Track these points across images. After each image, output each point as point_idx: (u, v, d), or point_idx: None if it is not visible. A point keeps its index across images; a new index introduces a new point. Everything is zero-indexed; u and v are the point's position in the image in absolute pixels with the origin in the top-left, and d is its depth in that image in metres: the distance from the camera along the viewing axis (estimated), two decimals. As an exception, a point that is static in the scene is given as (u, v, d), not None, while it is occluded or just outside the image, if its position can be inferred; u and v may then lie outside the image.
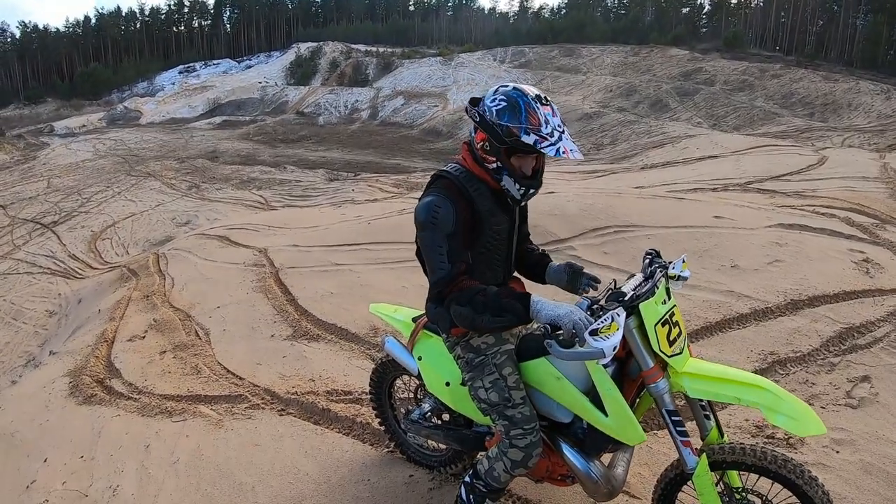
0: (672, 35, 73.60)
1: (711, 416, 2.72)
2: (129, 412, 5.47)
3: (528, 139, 2.49)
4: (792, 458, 2.49)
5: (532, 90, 2.60)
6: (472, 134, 2.73)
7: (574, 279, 3.04)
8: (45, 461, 4.96)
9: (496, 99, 2.58)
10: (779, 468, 2.47)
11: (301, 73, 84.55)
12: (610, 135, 40.11)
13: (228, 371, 6.00)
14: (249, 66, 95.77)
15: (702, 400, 2.67)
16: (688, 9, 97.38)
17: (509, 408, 2.74)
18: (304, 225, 13.19)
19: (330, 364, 5.74)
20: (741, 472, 2.64)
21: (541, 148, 2.49)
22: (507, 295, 2.58)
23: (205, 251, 12.09)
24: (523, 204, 2.87)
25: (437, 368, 3.22)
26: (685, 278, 2.86)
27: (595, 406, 2.67)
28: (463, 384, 3.01)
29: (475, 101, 2.72)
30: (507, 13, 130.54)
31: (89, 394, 6.13)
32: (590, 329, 2.32)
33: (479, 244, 2.77)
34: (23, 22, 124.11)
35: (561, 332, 2.41)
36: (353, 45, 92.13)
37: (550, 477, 2.98)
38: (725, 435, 2.74)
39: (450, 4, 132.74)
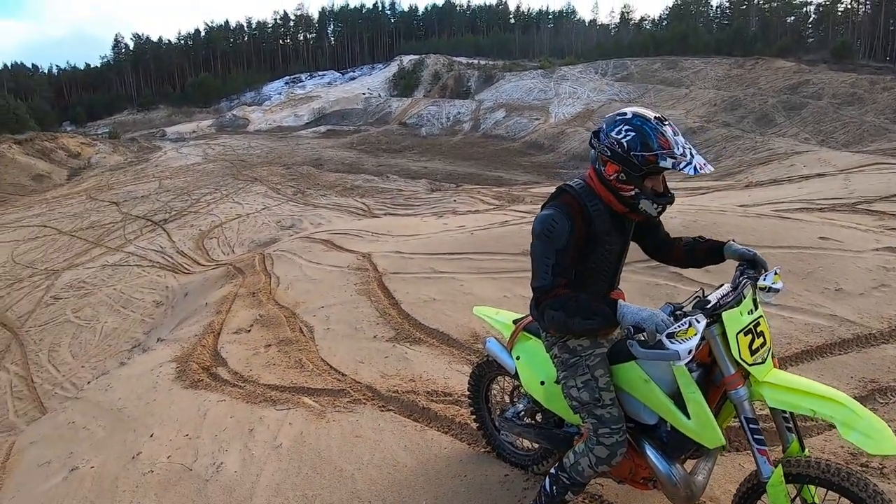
0: (777, 46, 69.81)
1: (794, 430, 2.71)
2: (233, 398, 5.69)
3: (667, 164, 2.60)
4: (881, 489, 2.42)
5: (650, 113, 2.70)
6: (599, 165, 2.80)
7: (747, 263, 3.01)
8: (151, 436, 5.21)
9: (621, 130, 2.66)
10: (860, 490, 2.41)
11: (404, 84, 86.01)
12: (714, 150, 38.94)
13: (331, 367, 6.17)
14: (353, 78, 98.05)
15: (784, 412, 2.68)
16: (793, 17, 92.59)
17: (599, 407, 2.86)
18: (407, 233, 13.35)
19: (431, 366, 5.81)
20: (818, 489, 2.61)
21: (681, 169, 2.59)
22: (597, 301, 2.69)
23: (310, 253, 12.42)
24: (657, 217, 2.90)
25: (534, 368, 3.36)
26: (777, 290, 2.86)
27: (678, 409, 2.74)
28: (557, 383, 3.13)
29: (596, 135, 2.81)
30: (608, 25, 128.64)
31: (195, 379, 6.41)
32: (667, 332, 2.40)
33: (589, 260, 2.88)
34: (136, 34, 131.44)
35: (643, 334, 2.49)
36: (454, 58, 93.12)
37: (633, 479, 3.06)
38: (807, 449, 2.72)
39: (550, 17, 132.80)
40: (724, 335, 2.61)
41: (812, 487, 2.62)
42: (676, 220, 8.74)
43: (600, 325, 2.68)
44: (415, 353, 6.18)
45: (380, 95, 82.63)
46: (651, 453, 2.85)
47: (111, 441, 5.43)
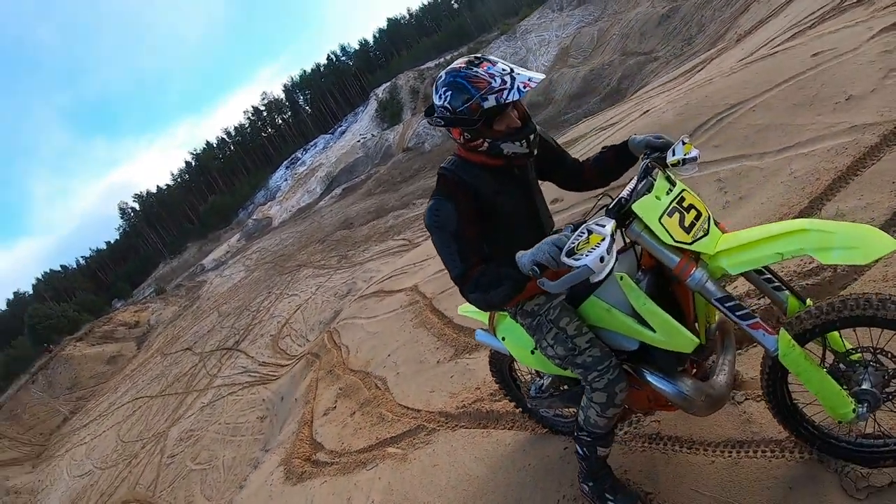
0: None
1: (784, 286, 2.59)
2: (332, 476, 6.04)
3: (491, 102, 2.52)
4: (888, 294, 2.22)
5: (461, 61, 2.65)
6: (450, 136, 2.75)
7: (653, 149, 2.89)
8: None
9: (440, 94, 2.64)
10: (875, 309, 2.20)
11: (389, 114, 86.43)
12: (694, 23, 38.13)
13: (407, 408, 6.44)
14: (343, 132, 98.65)
15: (760, 271, 2.57)
16: None
17: (577, 355, 2.80)
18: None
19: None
20: (843, 333, 2.41)
21: (504, 101, 2.51)
22: (500, 265, 2.62)
23: (367, 311, 12.72)
24: (535, 152, 2.80)
25: (519, 342, 3.30)
26: (694, 158, 2.67)
27: (643, 325, 2.66)
28: (534, 350, 3.12)
29: (430, 111, 2.77)
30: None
31: (300, 472, 6.79)
32: (565, 251, 2.24)
33: (499, 223, 2.82)
34: (137, 194, 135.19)
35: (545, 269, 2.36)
36: (421, 67, 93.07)
37: (658, 406, 3.00)
38: (809, 300, 2.55)
39: None
40: (647, 228, 2.49)
41: (836, 334, 2.41)
42: (668, 112, 8.58)
43: (515, 287, 2.60)
44: (475, 362, 6.38)
45: (373, 135, 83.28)
46: (651, 378, 2.76)
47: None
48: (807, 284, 3.89)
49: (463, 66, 2.61)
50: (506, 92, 2.51)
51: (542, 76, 2.64)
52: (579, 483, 3.22)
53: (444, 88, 2.63)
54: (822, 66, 7.00)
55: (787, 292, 2.57)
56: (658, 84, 16.85)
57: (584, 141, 11.49)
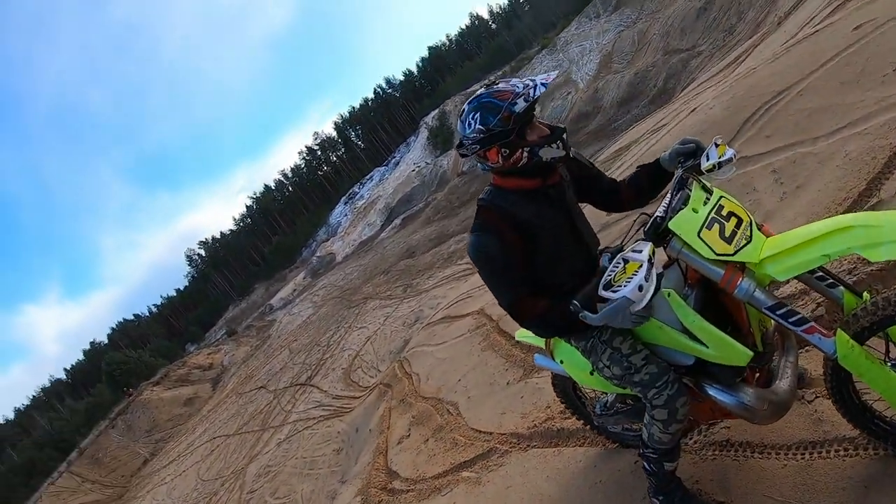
0: None
1: (839, 281, 2.53)
2: (408, 503, 6.06)
3: (520, 105, 2.60)
4: None
5: (480, 88, 2.78)
6: (485, 165, 2.84)
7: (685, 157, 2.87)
8: None
9: (471, 122, 2.73)
10: None
11: (441, 140, 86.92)
12: (732, 11, 37.20)
13: (479, 432, 6.46)
14: (397, 163, 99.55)
15: (814, 272, 2.51)
16: None
17: (634, 374, 2.78)
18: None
19: (560, 387, 6.01)
20: None
21: (532, 98, 2.59)
22: (570, 314, 2.58)
23: (435, 337, 12.78)
24: (571, 155, 2.85)
25: (577, 364, 3.28)
26: (730, 159, 2.63)
27: (695, 341, 2.63)
28: (592, 372, 3.11)
29: (459, 145, 2.88)
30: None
31: (377, 501, 6.89)
32: (602, 284, 2.29)
33: (543, 245, 2.84)
34: (202, 241, 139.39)
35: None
36: (468, 91, 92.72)
37: (721, 415, 2.99)
38: (865, 293, 2.48)
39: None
40: (687, 244, 2.48)
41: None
42: (716, 108, 8.45)
43: (575, 329, 2.74)
44: (545, 380, 6.31)
45: (427, 163, 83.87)
46: (711, 391, 2.73)
47: None
48: (871, 271, 3.78)
49: (482, 90, 2.74)
50: (530, 91, 2.60)
51: (556, 72, 2.94)
52: (650, 498, 3.21)
53: (471, 114, 2.72)
54: (865, 38, 6.81)
55: (841, 288, 2.51)
56: (704, 79, 16.54)
57: (636, 147, 11.38)
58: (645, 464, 3.06)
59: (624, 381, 2.86)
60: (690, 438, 3.66)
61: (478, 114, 2.68)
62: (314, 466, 16.86)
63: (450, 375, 9.36)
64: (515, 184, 2.82)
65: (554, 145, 2.71)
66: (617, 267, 2.30)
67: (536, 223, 2.80)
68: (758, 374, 2.85)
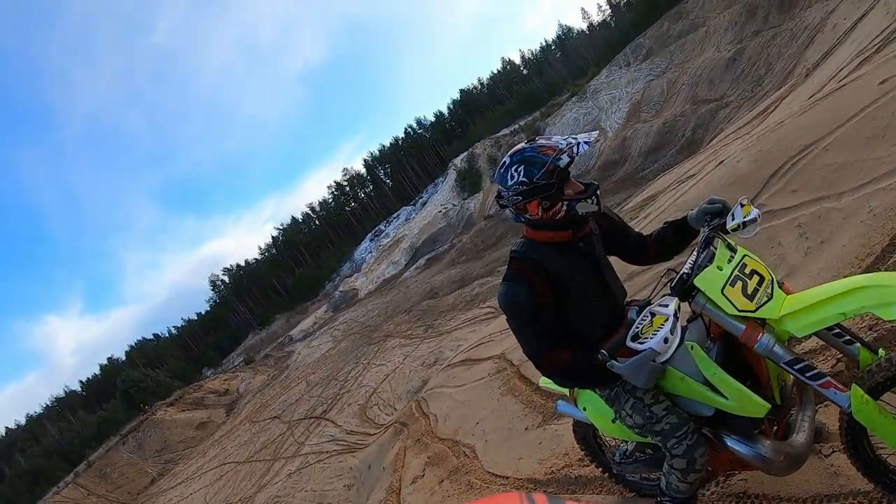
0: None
1: (854, 338, 2.59)
2: (420, 542, 6.07)
3: (564, 160, 2.72)
4: None
5: (518, 145, 2.88)
6: (522, 217, 2.93)
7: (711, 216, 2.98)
8: None
9: (514, 174, 2.82)
10: None
11: (469, 182, 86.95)
12: (761, 62, 37.16)
13: (495, 475, 6.49)
14: (424, 203, 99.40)
15: (830, 328, 2.57)
16: None
17: (655, 423, 2.85)
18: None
19: (579, 433, 6.02)
20: None
21: (576, 154, 2.71)
22: (595, 363, 2.69)
23: (455, 380, 12.78)
24: (602, 209, 2.94)
25: (599, 412, 3.33)
26: (754, 219, 2.74)
27: (715, 393, 2.71)
28: (614, 420, 3.17)
29: (499, 196, 2.98)
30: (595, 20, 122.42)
31: (388, 539, 6.83)
32: (630, 335, 2.37)
33: (572, 297, 2.93)
34: (226, 268, 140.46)
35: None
36: (497, 135, 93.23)
37: (739, 466, 3.01)
38: (882, 350, 2.55)
39: (553, 46, 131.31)
40: (711, 300, 2.58)
41: None
42: (743, 161, 8.45)
43: (595, 378, 2.86)
44: (564, 427, 6.33)
45: (454, 205, 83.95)
46: (729, 442, 2.79)
47: None
48: (892, 327, 3.82)
49: (525, 145, 2.85)
50: (574, 148, 2.73)
51: (596, 132, 2.97)
52: None
53: (515, 167, 2.82)
54: (891, 93, 6.83)
55: (857, 345, 2.58)
56: (732, 130, 16.61)
57: (663, 197, 11.44)
58: None
59: (645, 430, 2.92)
60: (708, 489, 3.68)
61: (522, 166, 2.79)
62: (324, 500, 16.84)
63: (468, 418, 9.37)
64: (547, 236, 2.92)
65: (589, 200, 2.83)
66: (644, 320, 2.39)
67: (566, 275, 2.89)
68: (776, 427, 2.90)
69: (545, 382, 3.85)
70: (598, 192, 2.87)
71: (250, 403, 47.57)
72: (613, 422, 3.22)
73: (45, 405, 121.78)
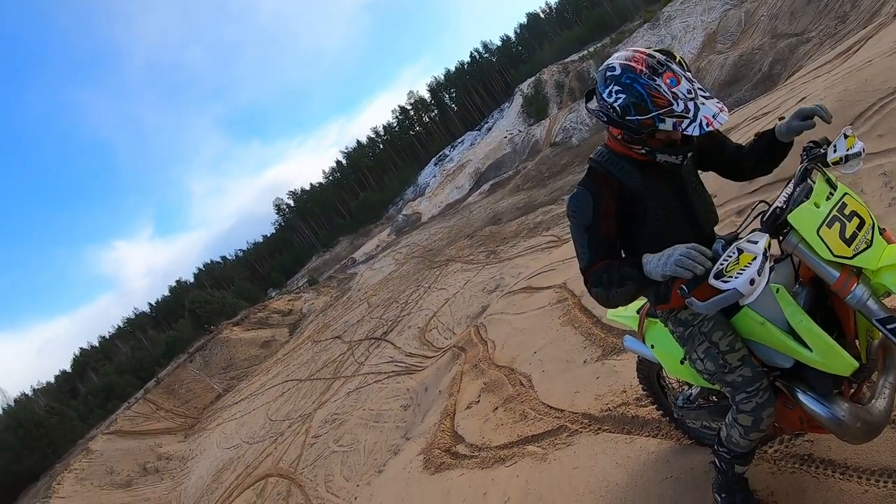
0: None
1: None
2: (471, 469, 6.10)
3: (667, 126, 2.37)
4: None
5: (641, 58, 2.43)
6: (604, 126, 2.65)
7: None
8: None
9: (611, 90, 2.45)
10: None
11: (535, 109, 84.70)
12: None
13: (551, 407, 6.39)
14: (489, 128, 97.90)
15: None
16: None
17: (727, 373, 2.65)
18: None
19: (639, 370, 5.86)
20: None
21: (683, 131, 2.35)
22: (625, 262, 2.52)
23: (514, 307, 12.71)
24: (686, 162, 2.66)
25: (668, 350, 3.15)
26: (858, 154, 2.43)
27: (799, 343, 2.46)
28: (683, 360, 2.96)
29: (590, 94, 2.65)
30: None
31: (439, 463, 6.90)
32: (714, 272, 2.10)
33: (650, 218, 2.68)
34: (292, 191, 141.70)
35: (683, 284, 2.18)
36: (565, 61, 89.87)
37: (809, 427, 2.78)
38: None
39: None
40: (804, 240, 2.32)
41: None
42: (826, 100, 7.84)
43: (637, 287, 2.53)
44: (623, 363, 6.21)
45: (519, 131, 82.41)
46: (804, 399, 2.56)
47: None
48: None
49: (644, 69, 2.39)
50: (686, 123, 2.35)
51: (726, 117, 2.37)
52: (712, 492, 3.14)
53: (616, 87, 2.43)
54: None
55: None
56: (812, 68, 15.73)
57: (735, 133, 10.91)
58: (716, 459, 2.99)
59: (714, 378, 2.74)
60: (770, 447, 3.51)
61: (623, 94, 2.41)
62: (380, 419, 17.15)
63: (526, 346, 9.30)
64: (629, 152, 2.64)
65: (675, 156, 2.55)
66: (731, 257, 2.11)
67: (645, 195, 2.65)
68: (853, 390, 2.65)
69: (613, 314, 3.72)
70: (692, 148, 2.60)
71: (313, 323, 48.54)
72: (682, 363, 3.03)
73: (116, 326, 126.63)
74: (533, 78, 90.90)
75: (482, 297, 23.33)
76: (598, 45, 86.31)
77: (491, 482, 5.40)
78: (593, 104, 2.65)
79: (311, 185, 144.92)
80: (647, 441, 4.47)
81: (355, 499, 9.92)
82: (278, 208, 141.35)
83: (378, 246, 77.04)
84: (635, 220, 2.69)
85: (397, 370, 21.25)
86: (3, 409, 65.47)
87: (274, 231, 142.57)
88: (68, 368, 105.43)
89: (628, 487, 4.07)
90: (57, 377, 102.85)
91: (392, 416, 16.69)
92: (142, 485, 34.16)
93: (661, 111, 2.35)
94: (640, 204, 2.66)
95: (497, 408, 7.60)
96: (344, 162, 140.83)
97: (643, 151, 2.56)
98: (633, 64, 2.41)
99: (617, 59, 2.49)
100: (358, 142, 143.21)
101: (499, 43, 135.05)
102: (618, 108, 2.44)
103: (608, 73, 2.48)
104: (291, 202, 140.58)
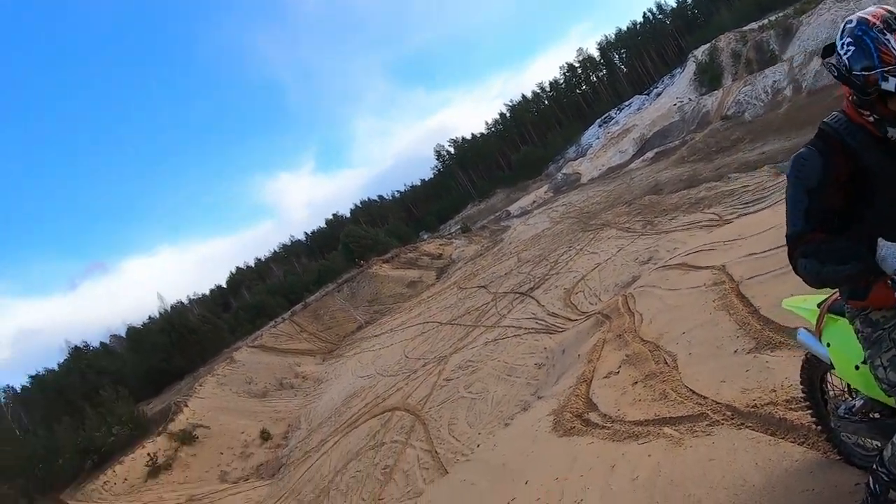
0: None
1: None
2: (601, 439, 6.01)
3: (889, 85, 2.15)
4: None
5: (880, 13, 2.22)
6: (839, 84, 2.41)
7: None
8: (526, 483, 5.70)
9: (843, 43, 2.28)
10: None
11: (708, 78, 79.93)
12: None
13: (693, 392, 6.17)
14: (658, 94, 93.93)
15: None
16: None
17: None
18: (759, 230, 12.61)
19: (794, 371, 5.43)
20: None
21: None
22: (855, 244, 2.29)
23: (667, 282, 12.34)
24: None
25: (846, 352, 2.87)
26: None
27: None
28: (864, 363, 2.66)
29: (830, 49, 2.41)
30: None
31: (569, 427, 6.85)
32: None
33: (878, 201, 2.39)
34: (453, 139, 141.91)
35: None
36: (744, 28, 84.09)
37: None
38: None
39: None
40: None
41: None
42: None
43: (857, 270, 2.24)
44: (776, 360, 5.87)
45: (689, 99, 78.52)
46: None
47: (492, 489, 6.08)
48: None
49: (878, 23, 2.20)
50: None
51: None
52: None
53: (848, 40, 2.27)
54: None
55: None
56: None
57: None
58: (871, 479, 2.74)
59: (894, 391, 2.46)
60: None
61: (853, 47, 2.25)
62: (512, 373, 17.27)
63: (675, 325, 9.01)
64: (864, 121, 2.38)
65: None
66: None
67: (877, 173, 2.36)
68: None
69: (791, 304, 3.50)
70: None
71: (461, 270, 49.21)
72: (857, 368, 2.78)
73: (272, 250, 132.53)
74: (708, 45, 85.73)
75: (633, 268, 22.82)
76: (781, 14, 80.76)
77: (621, 456, 5.31)
78: (833, 59, 2.39)
79: (472, 134, 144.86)
80: (792, 447, 4.20)
81: (478, 446, 10.07)
82: (438, 154, 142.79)
83: (534, 202, 76.76)
84: (862, 200, 2.42)
85: (537, 328, 21.25)
86: (160, 314, 70.27)
87: (432, 176, 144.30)
88: (223, 284, 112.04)
89: (765, 491, 3.87)
90: (212, 291, 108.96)
91: (525, 373, 16.76)
92: (276, 398, 36.25)
93: (885, 68, 2.14)
94: (869, 183, 2.38)
95: (637, 382, 7.44)
96: (508, 115, 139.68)
97: (872, 119, 2.31)
98: (869, 17, 2.24)
99: (856, 14, 2.31)
100: (523, 95, 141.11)
101: (674, 4, 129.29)
102: (846, 61, 2.27)
103: (846, 25, 2.33)
104: (452, 149, 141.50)
